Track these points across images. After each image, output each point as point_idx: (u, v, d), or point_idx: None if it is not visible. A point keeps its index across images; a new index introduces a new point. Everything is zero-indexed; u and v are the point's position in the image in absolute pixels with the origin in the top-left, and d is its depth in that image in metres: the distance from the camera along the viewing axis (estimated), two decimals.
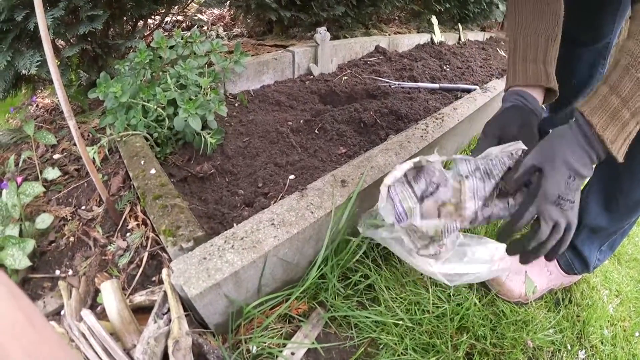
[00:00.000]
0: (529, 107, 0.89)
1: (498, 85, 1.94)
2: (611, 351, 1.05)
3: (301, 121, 1.58)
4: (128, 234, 1.05)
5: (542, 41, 0.91)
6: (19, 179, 1.06)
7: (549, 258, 0.80)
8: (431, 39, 3.16)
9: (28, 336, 0.26)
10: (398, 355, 0.89)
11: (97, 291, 0.92)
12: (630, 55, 0.69)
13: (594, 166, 0.76)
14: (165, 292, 0.83)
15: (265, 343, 0.86)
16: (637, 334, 1.13)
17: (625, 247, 1.48)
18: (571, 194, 0.74)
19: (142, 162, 1.13)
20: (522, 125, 0.86)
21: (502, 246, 1.04)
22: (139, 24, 1.84)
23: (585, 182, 1.09)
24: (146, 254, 0.99)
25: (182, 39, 1.44)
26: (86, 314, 0.73)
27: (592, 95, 0.73)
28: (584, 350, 1.03)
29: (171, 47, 1.39)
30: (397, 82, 2.12)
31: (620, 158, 0.72)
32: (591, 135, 0.72)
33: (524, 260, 0.80)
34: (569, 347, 1.02)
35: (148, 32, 1.85)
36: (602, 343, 1.06)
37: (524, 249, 0.78)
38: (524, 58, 0.91)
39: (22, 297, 0.28)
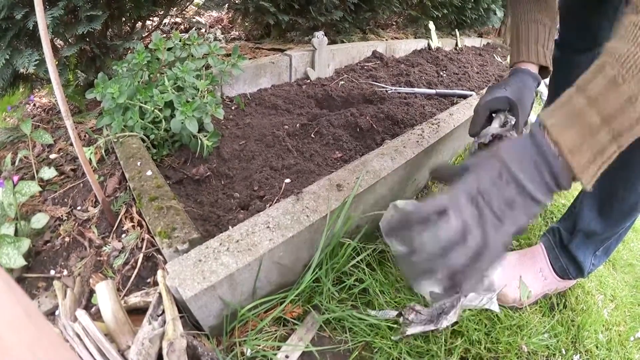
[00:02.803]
0: (530, 74, 0.98)
1: None
2: (606, 355, 1.05)
3: (297, 125, 1.58)
4: (123, 235, 1.05)
5: (541, 28, 0.99)
6: (15, 178, 1.06)
7: (446, 289, 0.58)
8: (428, 44, 3.18)
9: (28, 331, 0.26)
10: (392, 359, 0.89)
11: (92, 292, 0.92)
12: (608, 54, 0.57)
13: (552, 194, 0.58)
14: (160, 293, 0.82)
15: (259, 346, 0.86)
16: (632, 338, 1.13)
17: (621, 253, 1.49)
18: (498, 201, 0.56)
19: (139, 164, 1.13)
20: (524, 86, 0.95)
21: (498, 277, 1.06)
22: (137, 25, 1.85)
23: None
24: (141, 256, 0.99)
25: (180, 41, 1.44)
26: (81, 314, 0.73)
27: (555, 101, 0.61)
28: (578, 355, 1.03)
29: (169, 49, 1.39)
30: (393, 88, 2.13)
31: (587, 182, 0.56)
32: (543, 142, 0.57)
33: (409, 276, 0.61)
34: (564, 352, 1.03)
35: (146, 34, 1.85)
36: (597, 347, 1.07)
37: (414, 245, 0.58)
38: (527, 40, 1.00)
39: (20, 292, 0.28)
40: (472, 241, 0.55)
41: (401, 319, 0.94)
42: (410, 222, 0.57)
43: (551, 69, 1.02)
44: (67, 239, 1.06)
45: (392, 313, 0.96)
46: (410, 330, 0.91)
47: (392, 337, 0.92)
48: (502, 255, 0.57)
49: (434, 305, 0.94)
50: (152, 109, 1.22)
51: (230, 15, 2.97)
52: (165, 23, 2.69)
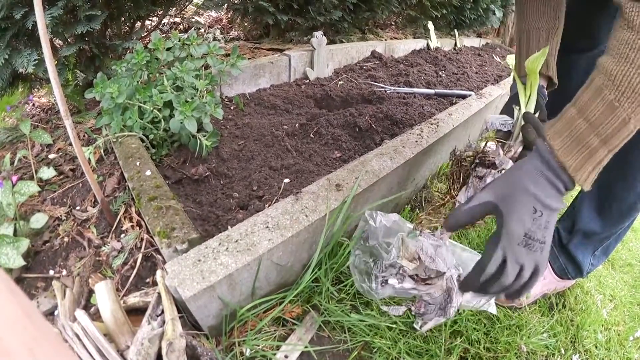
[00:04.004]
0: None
1: (493, 92, 1.95)
2: (605, 355, 1.06)
3: (296, 125, 1.58)
4: (122, 235, 1.05)
5: (544, 35, 0.98)
6: (14, 178, 1.06)
7: (510, 298, 0.74)
8: (427, 44, 3.18)
9: (28, 332, 0.26)
10: (392, 359, 0.89)
11: (91, 292, 0.92)
12: (604, 74, 0.62)
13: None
14: (159, 293, 0.82)
15: (258, 346, 0.86)
16: (631, 338, 1.13)
17: (620, 252, 1.49)
18: (540, 232, 0.66)
19: (138, 164, 1.13)
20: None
21: None
22: (136, 25, 1.85)
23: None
24: (140, 255, 0.99)
25: (179, 40, 1.44)
26: (80, 314, 0.73)
27: (558, 118, 0.68)
28: (577, 355, 1.03)
29: (168, 49, 1.39)
30: (392, 87, 2.13)
31: (587, 187, 0.65)
32: (553, 161, 0.66)
33: (480, 293, 0.74)
34: (563, 352, 1.03)
35: (145, 34, 1.85)
36: (596, 347, 1.07)
37: (483, 291, 0.71)
38: (528, 51, 0.99)
39: (20, 293, 0.28)
40: (527, 272, 0.67)
41: (414, 313, 0.95)
42: (479, 278, 0.69)
43: (556, 81, 1.00)
44: (66, 239, 1.06)
45: (401, 309, 0.96)
46: (427, 327, 0.91)
47: (415, 326, 0.92)
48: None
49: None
50: (151, 108, 1.22)
51: (229, 15, 2.97)
52: (164, 23, 2.68)
